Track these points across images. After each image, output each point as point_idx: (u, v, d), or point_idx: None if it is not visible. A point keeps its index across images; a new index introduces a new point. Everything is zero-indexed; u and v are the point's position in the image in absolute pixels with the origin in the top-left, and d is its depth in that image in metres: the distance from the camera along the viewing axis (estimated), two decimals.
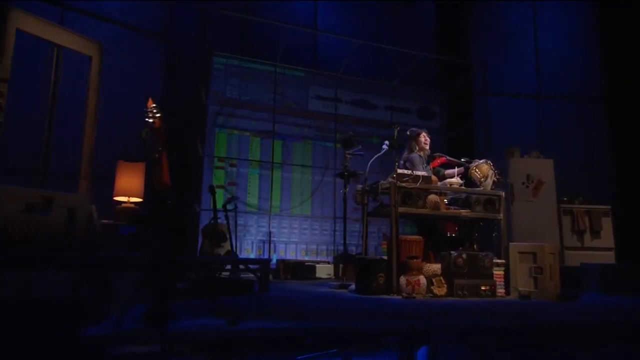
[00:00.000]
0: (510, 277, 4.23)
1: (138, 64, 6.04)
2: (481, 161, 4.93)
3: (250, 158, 6.83)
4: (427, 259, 4.25)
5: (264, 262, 3.87)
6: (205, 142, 6.58)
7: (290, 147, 7.07)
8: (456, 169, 4.79)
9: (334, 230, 7.05)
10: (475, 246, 4.35)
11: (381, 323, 2.43)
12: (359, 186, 4.56)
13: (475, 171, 4.66)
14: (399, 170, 4.22)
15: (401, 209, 4.13)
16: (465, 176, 4.83)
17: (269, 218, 6.76)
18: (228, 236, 6.15)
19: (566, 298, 4.08)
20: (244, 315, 2.51)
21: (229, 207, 5.24)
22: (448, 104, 8.24)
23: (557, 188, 7.14)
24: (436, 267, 4.11)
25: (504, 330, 2.48)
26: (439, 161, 4.96)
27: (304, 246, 6.79)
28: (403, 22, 8.28)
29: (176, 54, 6.30)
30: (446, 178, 4.99)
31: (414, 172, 4.25)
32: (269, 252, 6.61)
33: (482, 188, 4.53)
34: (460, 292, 3.95)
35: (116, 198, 4.48)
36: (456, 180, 4.45)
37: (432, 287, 3.93)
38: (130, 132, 5.45)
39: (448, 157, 4.96)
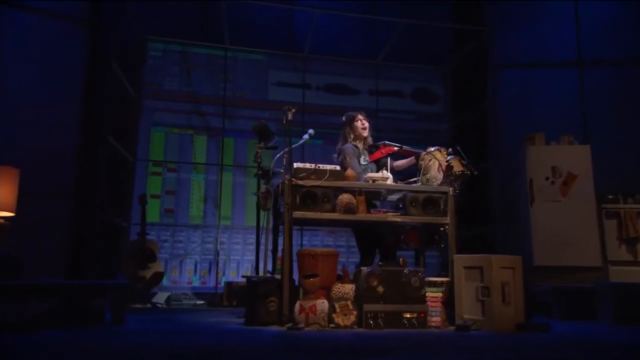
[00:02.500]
0: (456, 300, 3.68)
1: (56, 56, 6.02)
2: (433, 149, 4.41)
3: (193, 161, 6.64)
4: (341, 277, 3.79)
5: (117, 287, 3.59)
6: (137, 144, 6.47)
7: (244, 145, 6.80)
8: (398, 161, 4.33)
9: (301, 245, 6.66)
10: (400, 260, 3.82)
11: None
12: (263, 187, 4.19)
13: (421, 163, 4.15)
14: (296, 165, 3.81)
15: (298, 214, 3.72)
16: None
17: (217, 232, 6.51)
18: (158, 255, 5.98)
19: (528, 329, 3.47)
20: None
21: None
22: (453, 82, 7.61)
23: (597, 183, 6.33)
24: (349, 288, 3.65)
25: None
26: (384, 151, 4.47)
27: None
28: None
29: (103, 42, 6.23)
30: (395, 172, 4.53)
31: (318, 165, 3.82)
32: (217, 273, 6.35)
33: (419, 183, 4.00)
34: (371, 322, 3.46)
35: None
36: (380, 174, 3.95)
37: (333, 315, 3.48)
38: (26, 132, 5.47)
39: (397, 145, 4.46)
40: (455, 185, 4.38)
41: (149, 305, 5.12)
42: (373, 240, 4.39)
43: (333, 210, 3.78)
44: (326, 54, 7.22)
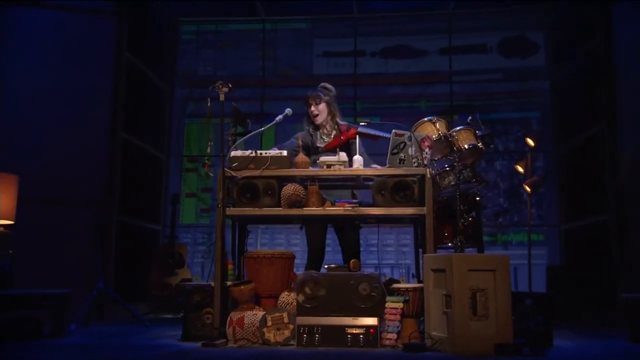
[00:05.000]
0: (425, 313, 3.42)
1: (83, 52, 6.69)
2: (426, 119, 4.13)
3: None
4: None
5: (57, 297, 4.00)
6: (171, 139, 6.99)
7: (287, 131, 6.92)
8: None
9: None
10: (351, 263, 3.63)
11: None
12: None
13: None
14: (233, 153, 3.86)
15: (234, 211, 3.76)
16: None
17: (258, 233, 6.76)
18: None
19: (510, 353, 3.10)
20: None
21: None
22: (558, 24, 6.79)
23: None
24: (295, 297, 3.61)
25: None
26: (344, 137, 4.28)
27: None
28: None
29: (133, 32, 6.83)
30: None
31: (259, 152, 3.82)
32: None
33: (387, 166, 3.75)
34: (305, 338, 3.38)
35: None
36: (336, 158, 3.79)
37: (264, 330, 3.47)
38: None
39: (363, 128, 4.21)
40: (461, 165, 4.05)
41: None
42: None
43: (277, 204, 3.74)
44: (381, 11, 7.00)
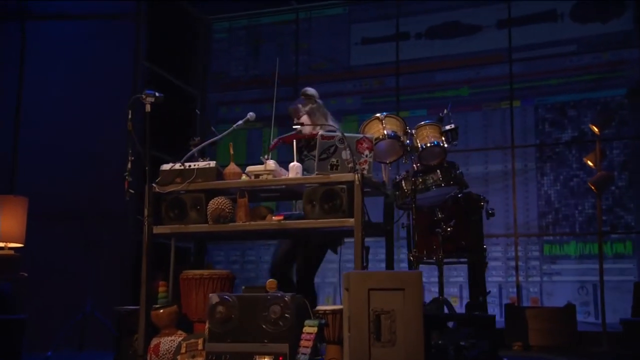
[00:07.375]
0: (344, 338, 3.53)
1: (104, 61, 7.28)
2: (374, 116, 4.21)
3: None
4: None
5: (11, 323, 4.58)
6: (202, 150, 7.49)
7: None
8: None
9: None
10: (267, 284, 3.77)
11: None
12: None
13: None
14: (164, 167, 4.18)
15: (161, 228, 4.09)
16: None
17: None
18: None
19: None
20: None
21: None
22: None
23: None
24: None
25: None
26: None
27: None
28: None
29: (155, 38, 7.36)
30: None
31: (187, 164, 4.11)
32: None
33: (315, 173, 3.87)
34: None
35: None
36: (263, 167, 3.97)
37: (178, 357, 3.77)
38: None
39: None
40: (420, 167, 4.08)
41: None
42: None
43: (204, 220, 4.01)
44: None
